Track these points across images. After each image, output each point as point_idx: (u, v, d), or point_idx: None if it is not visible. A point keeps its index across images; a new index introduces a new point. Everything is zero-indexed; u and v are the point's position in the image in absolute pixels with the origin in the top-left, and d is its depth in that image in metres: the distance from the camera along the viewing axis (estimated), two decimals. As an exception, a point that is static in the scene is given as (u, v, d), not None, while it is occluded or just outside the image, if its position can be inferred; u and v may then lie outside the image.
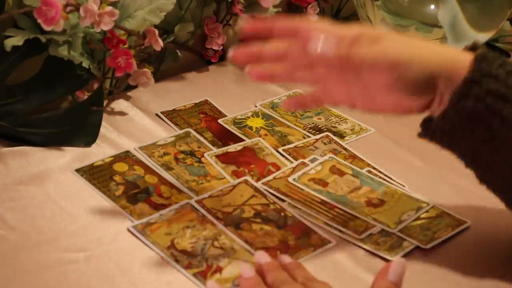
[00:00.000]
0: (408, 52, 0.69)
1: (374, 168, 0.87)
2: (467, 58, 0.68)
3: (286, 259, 0.69)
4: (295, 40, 0.71)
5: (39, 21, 0.78)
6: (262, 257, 0.68)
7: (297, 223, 0.77)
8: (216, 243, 0.73)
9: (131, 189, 0.80)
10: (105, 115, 0.91)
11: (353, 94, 0.73)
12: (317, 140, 0.92)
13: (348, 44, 0.70)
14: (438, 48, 0.71)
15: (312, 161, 0.87)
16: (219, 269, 0.70)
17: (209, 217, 0.76)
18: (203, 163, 0.85)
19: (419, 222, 0.79)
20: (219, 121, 0.94)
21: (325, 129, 0.94)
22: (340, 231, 0.77)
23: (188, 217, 0.76)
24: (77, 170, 0.82)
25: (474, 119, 0.67)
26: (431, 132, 0.71)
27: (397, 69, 0.68)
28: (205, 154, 0.86)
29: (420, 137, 0.72)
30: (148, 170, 0.83)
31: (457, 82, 0.67)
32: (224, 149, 0.88)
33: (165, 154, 0.86)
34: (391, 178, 0.85)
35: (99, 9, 0.81)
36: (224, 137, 0.91)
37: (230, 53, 0.72)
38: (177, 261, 0.70)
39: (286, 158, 0.88)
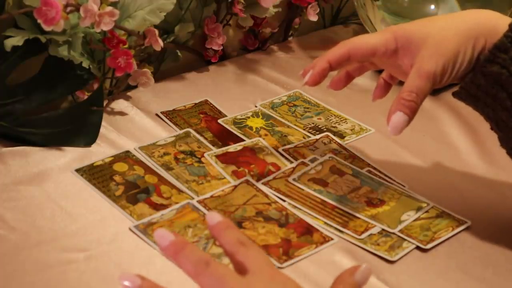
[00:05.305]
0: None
1: (374, 168, 0.87)
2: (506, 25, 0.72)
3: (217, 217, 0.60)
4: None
5: (39, 21, 0.78)
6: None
7: (298, 221, 0.77)
8: (217, 242, 0.73)
9: (131, 189, 0.80)
10: (105, 115, 0.91)
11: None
12: (317, 140, 0.92)
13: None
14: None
15: (312, 161, 0.87)
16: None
17: (210, 216, 0.76)
18: (203, 163, 0.85)
19: (419, 222, 0.78)
20: (219, 121, 0.94)
21: (325, 129, 0.94)
22: (340, 231, 0.77)
23: (189, 217, 0.76)
24: (77, 170, 0.82)
25: (497, 84, 0.71)
26: (459, 93, 0.74)
27: None
28: (205, 154, 0.86)
29: (454, 96, 0.76)
30: (148, 170, 0.83)
31: (489, 47, 0.71)
32: (224, 149, 0.88)
33: (165, 154, 0.86)
34: (391, 178, 0.85)
35: (99, 9, 0.81)
36: (224, 137, 0.91)
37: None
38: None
39: (286, 158, 0.88)
